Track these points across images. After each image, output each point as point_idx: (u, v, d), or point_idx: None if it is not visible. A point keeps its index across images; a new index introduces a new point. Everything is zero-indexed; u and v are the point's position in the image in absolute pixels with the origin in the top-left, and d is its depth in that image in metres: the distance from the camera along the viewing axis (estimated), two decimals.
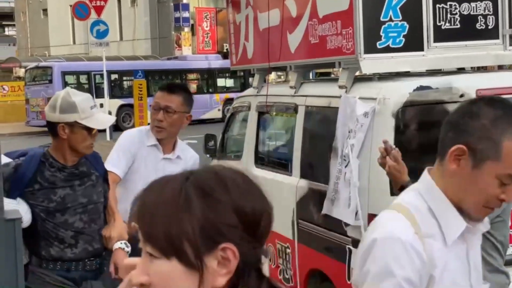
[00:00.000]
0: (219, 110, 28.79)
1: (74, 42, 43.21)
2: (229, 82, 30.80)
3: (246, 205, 1.30)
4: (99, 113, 3.35)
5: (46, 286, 3.25)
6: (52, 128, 3.31)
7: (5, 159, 3.25)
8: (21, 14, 47.36)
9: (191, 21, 36.18)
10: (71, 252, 3.34)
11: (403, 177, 3.05)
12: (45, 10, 45.20)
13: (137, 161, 3.86)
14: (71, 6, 29.36)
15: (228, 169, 1.34)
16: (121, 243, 3.42)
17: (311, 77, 5.43)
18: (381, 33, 4.14)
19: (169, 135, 3.92)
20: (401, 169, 3.06)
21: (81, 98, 3.31)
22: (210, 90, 29.77)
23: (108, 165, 3.74)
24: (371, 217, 3.88)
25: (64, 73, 26.29)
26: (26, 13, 46.74)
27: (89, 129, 3.29)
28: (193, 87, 29.18)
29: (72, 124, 3.26)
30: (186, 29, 36.00)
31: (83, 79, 27.26)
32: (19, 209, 3.11)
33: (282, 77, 19.10)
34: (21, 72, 34.19)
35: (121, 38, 40.23)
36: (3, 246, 2.35)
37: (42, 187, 3.26)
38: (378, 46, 4.15)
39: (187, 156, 4.03)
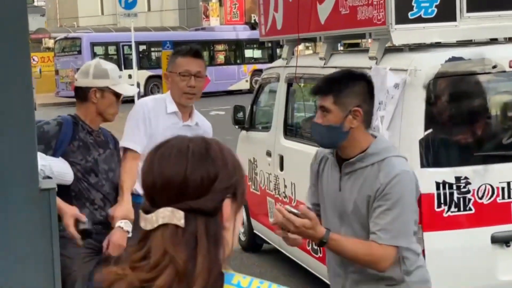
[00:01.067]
0: (246, 81, 28.75)
1: (102, 13, 43.31)
2: (257, 53, 30.70)
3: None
4: (124, 83, 3.60)
5: (79, 248, 3.32)
6: (82, 93, 3.48)
7: None
8: None
9: None
10: (100, 214, 3.45)
11: (318, 232, 2.52)
12: None
13: (154, 130, 3.71)
14: None
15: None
16: (121, 222, 3.43)
17: (338, 48, 5.37)
18: (413, 3, 4.08)
19: (197, 100, 3.86)
20: (313, 225, 2.49)
21: (111, 67, 3.54)
22: (238, 61, 29.71)
23: (125, 142, 3.70)
24: None
25: (93, 44, 26.43)
26: None
27: (117, 96, 3.50)
28: (220, 58, 29.18)
29: (103, 89, 3.45)
30: (214, 0, 35.86)
31: (111, 50, 27.38)
32: (65, 166, 3.30)
33: (310, 48, 18.97)
34: (50, 43, 34.47)
35: (149, 9, 40.22)
36: (38, 216, 2.39)
37: (80, 146, 3.42)
38: (410, 17, 4.10)
39: (204, 124, 3.96)
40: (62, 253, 3.21)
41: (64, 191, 3.28)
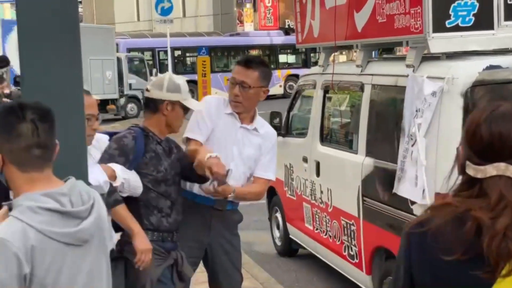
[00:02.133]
0: (280, 86, 28.81)
1: (138, 19, 43.78)
2: (291, 58, 30.74)
3: None
4: (192, 98, 3.73)
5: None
6: (154, 104, 3.61)
7: (103, 135, 3.52)
8: None
9: None
10: (166, 221, 3.58)
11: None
12: None
13: (216, 127, 3.90)
14: None
15: None
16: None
17: (373, 56, 5.42)
18: (450, 12, 4.12)
19: (245, 109, 3.93)
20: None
21: (183, 82, 3.66)
22: (272, 66, 29.74)
23: (189, 133, 3.89)
24: (438, 196, 3.90)
25: (129, 50, 26.74)
26: None
27: (185, 110, 3.64)
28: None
29: (174, 103, 3.58)
30: (248, 5, 36.02)
31: (147, 55, 27.68)
32: (138, 180, 3.44)
33: (344, 53, 18.95)
34: None
35: (184, 15, 40.54)
36: None
37: (152, 157, 3.55)
38: (447, 25, 4.13)
39: (266, 132, 4.04)
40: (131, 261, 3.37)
41: (132, 200, 3.45)
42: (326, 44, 5.70)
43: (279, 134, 6.68)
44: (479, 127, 1.62)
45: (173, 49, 24.35)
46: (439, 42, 4.15)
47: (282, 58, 30.31)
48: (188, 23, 39.53)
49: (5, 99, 3.19)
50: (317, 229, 5.79)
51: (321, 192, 5.59)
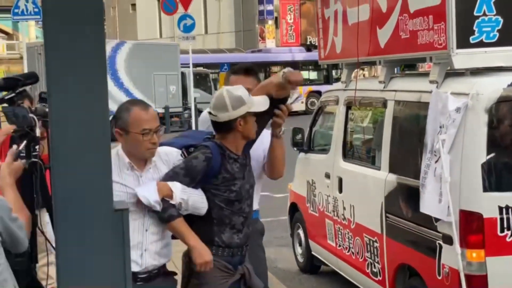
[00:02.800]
0: (302, 102, 28.82)
1: (161, 36, 44.15)
2: (313, 75, 30.78)
3: None
4: (254, 97, 3.53)
5: (214, 272, 3.43)
6: (226, 126, 3.46)
7: (173, 150, 3.49)
8: (110, 9, 48.78)
9: (275, 14, 36.32)
10: (237, 237, 3.53)
11: None
12: (133, 5, 46.39)
13: None
14: (158, 1, 29.98)
15: None
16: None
17: (395, 72, 5.42)
18: (474, 28, 4.10)
19: None
20: None
21: (242, 91, 3.48)
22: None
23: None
24: (463, 213, 3.87)
25: None
26: (115, 8, 48.11)
27: (255, 114, 3.50)
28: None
29: (244, 116, 3.45)
30: (270, 22, 36.18)
31: None
32: (201, 200, 3.38)
33: (365, 69, 18.90)
34: None
35: (206, 31, 40.81)
36: (111, 236, 2.50)
37: (225, 179, 3.45)
38: (471, 41, 4.11)
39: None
40: (198, 280, 3.41)
41: (207, 217, 3.43)
42: (349, 60, 5.70)
43: (301, 150, 6.69)
44: None
45: (195, 65, 24.46)
46: (463, 58, 4.13)
47: (304, 74, 30.33)
48: (210, 40, 39.78)
49: (31, 115, 3.23)
50: (339, 245, 5.76)
51: (344, 208, 5.57)
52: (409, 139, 4.72)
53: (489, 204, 3.85)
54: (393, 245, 4.75)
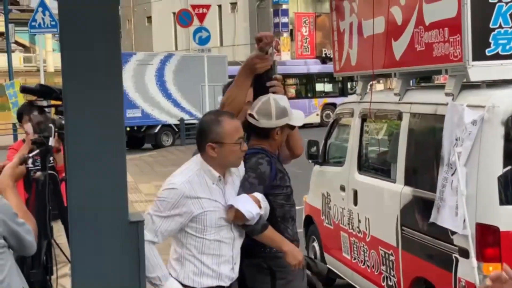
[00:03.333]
0: (317, 114, 28.81)
1: (176, 48, 44.34)
2: (328, 87, 30.76)
3: None
4: (293, 111, 3.64)
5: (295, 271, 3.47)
6: (264, 132, 3.56)
7: None
8: (126, 22, 49.11)
9: (290, 26, 36.37)
10: (295, 228, 3.64)
11: None
12: (149, 18, 46.68)
13: None
14: (174, 13, 30.18)
15: None
16: None
17: (411, 84, 5.41)
18: (490, 40, 4.09)
19: None
20: None
21: (286, 102, 3.59)
22: (309, 95, 29.84)
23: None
24: (479, 226, 3.84)
25: None
26: (131, 20, 48.44)
27: (291, 127, 3.63)
28: (291, 91, 29.36)
29: (283, 126, 3.57)
30: (285, 34, 36.23)
31: None
32: (266, 203, 3.39)
33: (381, 82, 18.88)
34: None
35: (221, 44, 40.95)
36: (126, 248, 2.51)
37: (280, 177, 3.54)
38: (487, 53, 4.10)
39: None
40: (286, 278, 3.45)
41: (270, 218, 3.46)
42: (364, 73, 5.70)
43: (316, 163, 6.68)
44: None
45: None
46: (479, 70, 4.12)
47: (319, 86, 30.35)
48: (226, 52, 39.88)
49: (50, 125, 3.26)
50: (355, 258, 5.73)
51: (359, 221, 5.54)
52: (425, 151, 4.70)
53: (505, 217, 3.82)
54: (409, 258, 4.71)
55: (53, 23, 16.46)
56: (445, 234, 4.13)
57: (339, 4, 6.09)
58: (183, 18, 21.34)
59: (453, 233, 4.04)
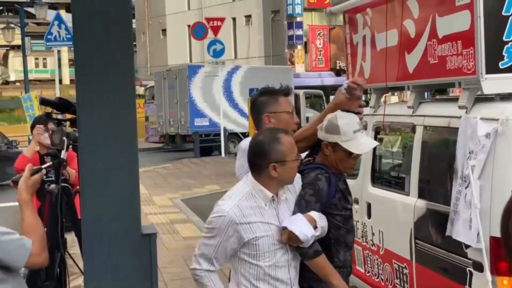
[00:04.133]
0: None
1: (190, 61, 44.52)
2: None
3: None
4: (362, 137, 3.43)
5: None
6: (319, 144, 3.47)
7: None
8: (141, 35, 49.41)
9: (304, 39, 36.44)
10: (349, 255, 3.49)
11: None
12: (164, 31, 46.94)
13: None
14: (189, 26, 30.34)
15: None
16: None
17: (426, 96, 5.40)
18: (503, 53, 4.08)
19: None
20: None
21: (345, 121, 3.41)
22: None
23: None
24: (494, 240, 3.82)
25: None
26: (146, 33, 48.75)
27: (349, 152, 3.39)
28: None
29: (334, 144, 3.40)
30: (300, 47, 36.30)
31: None
32: (326, 223, 3.27)
33: (395, 95, 18.85)
34: (141, 90, 35.65)
35: (235, 56, 41.08)
36: (139, 261, 2.53)
37: (340, 197, 3.39)
38: (501, 66, 4.09)
39: None
40: None
41: (323, 238, 3.31)
42: (377, 85, 5.70)
43: None
44: None
45: None
46: (492, 83, 4.11)
47: (333, 99, 30.28)
48: (239, 64, 40.01)
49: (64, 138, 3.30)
50: (368, 272, 5.71)
51: (373, 234, 5.53)
52: (438, 164, 4.68)
53: None
54: (422, 272, 4.69)
55: (68, 36, 16.62)
56: (459, 248, 4.11)
57: (352, 17, 6.11)
58: (197, 31, 21.47)
59: (467, 246, 4.02)
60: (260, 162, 3.11)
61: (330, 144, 3.39)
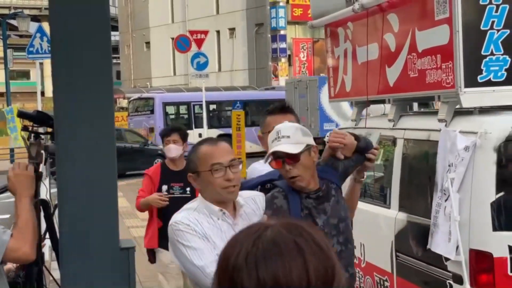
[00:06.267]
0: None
1: (174, 74, 44.55)
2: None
3: None
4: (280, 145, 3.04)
5: None
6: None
7: (257, 194, 3.10)
8: (125, 47, 49.38)
9: (288, 52, 36.62)
10: None
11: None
12: (147, 43, 46.95)
13: None
14: (172, 39, 30.35)
15: None
16: None
17: (415, 109, 5.43)
18: (482, 67, 4.12)
19: None
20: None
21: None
22: None
23: None
24: (473, 252, 3.84)
25: (165, 104, 27.13)
26: (130, 46, 48.72)
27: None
28: None
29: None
30: (283, 60, 36.47)
31: (183, 109, 28.05)
32: None
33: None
34: (124, 102, 35.59)
35: (219, 69, 41.16)
36: (117, 274, 2.51)
37: (306, 215, 3.06)
38: (479, 80, 4.13)
39: None
40: None
41: None
42: (359, 99, 5.72)
43: None
44: (239, 271, 1.05)
45: (208, 103, 24.65)
46: (471, 97, 4.15)
47: None
48: (224, 77, 40.09)
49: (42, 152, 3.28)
50: None
51: (354, 247, 5.53)
52: (419, 177, 4.71)
53: (499, 244, 3.82)
54: (403, 285, 4.70)
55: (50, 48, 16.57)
56: (439, 260, 4.12)
57: (333, 31, 6.14)
58: (181, 43, 21.46)
59: (447, 259, 4.03)
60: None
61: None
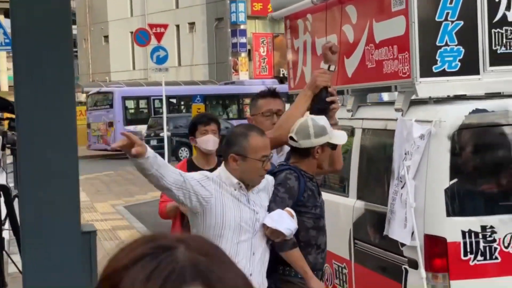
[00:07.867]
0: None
1: (134, 68, 44.20)
2: (286, 107, 30.98)
3: None
4: (333, 131, 3.69)
5: None
6: (304, 151, 3.60)
7: (269, 177, 3.51)
8: (83, 41, 48.78)
9: (248, 46, 36.65)
10: (321, 257, 3.61)
11: None
12: (106, 37, 46.47)
13: None
14: (131, 33, 30.12)
15: None
16: None
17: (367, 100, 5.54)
18: (437, 58, 4.23)
19: None
20: None
21: (324, 120, 3.63)
22: None
23: None
24: (427, 237, 3.95)
25: (124, 98, 26.96)
26: (88, 40, 48.15)
27: (333, 146, 3.66)
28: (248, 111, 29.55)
29: (323, 145, 3.60)
30: (243, 54, 36.48)
31: (142, 103, 27.90)
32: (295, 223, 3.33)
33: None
34: (82, 97, 35.20)
35: (179, 64, 40.97)
36: (79, 258, 2.53)
37: (309, 195, 3.56)
38: (434, 70, 4.23)
39: None
40: None
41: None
42: None
43: None
44: None
45: (168, 97, 24.55)
46: (426, 87, 4.25)
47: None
48: (184, 72, 39.94)
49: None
50: None
51: None
52: (376, 166, 4.81)
53: (452, 229, 3.93)
54: (361, 271, 4.80)
55: (7, 41, 16.25)
56: (395, 246, 4.22)
57: (293, 23, 6.21)
58: (140, 37, 21.30)
59: (403, 245, 4.14)
60: (226, 150, 3.30)
61: (321, 147, 3.58)
